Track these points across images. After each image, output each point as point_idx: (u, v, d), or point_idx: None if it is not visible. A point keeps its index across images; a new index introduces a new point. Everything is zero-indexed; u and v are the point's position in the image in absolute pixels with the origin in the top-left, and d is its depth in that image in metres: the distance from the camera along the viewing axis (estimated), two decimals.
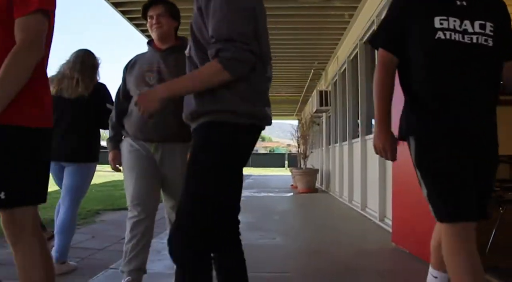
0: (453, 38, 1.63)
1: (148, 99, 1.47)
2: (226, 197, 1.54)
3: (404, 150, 3.73)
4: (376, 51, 1.87)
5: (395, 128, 1.82)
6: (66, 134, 2.91)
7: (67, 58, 3.05)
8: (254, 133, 1.54)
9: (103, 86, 3.09)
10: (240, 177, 1.72)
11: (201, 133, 1.49)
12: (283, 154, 34.35)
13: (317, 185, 10.34)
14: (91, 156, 3.02)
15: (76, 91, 2.90)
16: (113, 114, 2.54)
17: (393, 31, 1.76)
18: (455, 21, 1.64)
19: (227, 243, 1.78)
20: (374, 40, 1.88)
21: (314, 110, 9.80)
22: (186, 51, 1.63)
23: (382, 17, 5.39)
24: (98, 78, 3.10)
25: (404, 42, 1.73)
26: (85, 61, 3.01)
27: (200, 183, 1.46)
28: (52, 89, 2.89)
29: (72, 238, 2.97)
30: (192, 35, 1.57)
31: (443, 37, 1.63)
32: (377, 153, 1.84)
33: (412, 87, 1.80)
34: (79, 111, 2.91)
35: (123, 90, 2.43)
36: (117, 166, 2.53)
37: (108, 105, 2.94)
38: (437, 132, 1.66)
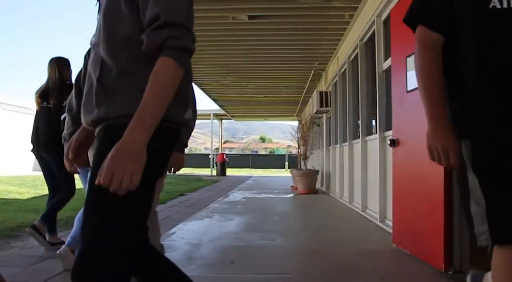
0: None
1: (126, 162, 1.05)
2: (140, 208, 1.21)
3: (402, 150, 3.74)
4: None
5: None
6: None
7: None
8: (170, 138, 1.26)
9: None
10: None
11: (104, 139, 1.20)
12: (283, 155, 34.35)
13: (318, 186, 10.34)
14: None
15: None
16: (73, 104, 2.23)
17: (436, 3, 1.41)
18: None
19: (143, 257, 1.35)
20: (413, 16, 1.48)
21: (314, 111, 9.79)
22: (92, 39, 1.32)
23: (383, 17, 5.39)
24: None
25: (451, 16, 1.37)
26: None
27: (108, 198, 1.11)
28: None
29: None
30: (106, 12, 1.25)
31: (499, 6, 1.28)
32: (433, 158, 1.42)
33: (460, 75, 1.38)
34: None
35: (84, 77, 2.23)
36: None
37: None
38: (504, 131, 1.29)
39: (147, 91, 1.12)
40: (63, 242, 3.08)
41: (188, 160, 31.41)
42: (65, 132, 2.31)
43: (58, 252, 2.88)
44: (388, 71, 4.66)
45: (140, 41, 1.18)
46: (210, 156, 23.45)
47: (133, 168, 1.06)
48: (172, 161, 2.12)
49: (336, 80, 8.37)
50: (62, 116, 3.61)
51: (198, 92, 13.19)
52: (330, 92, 8.94)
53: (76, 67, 3.28)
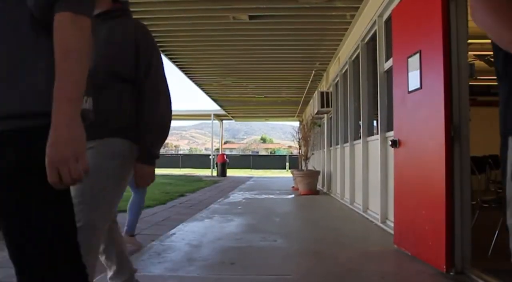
0: None
1: (63, 149, 0.92)
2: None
3: (404, 151, 3.73)
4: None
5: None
6: None
7: None
8: None
9: None
10: None
11: (17, 146, 1.00)
12: (284, 156, 34.29)
13: (319, 186, 10.31)
14: None
15: None
16: None
17: None
18: None
19: None
20: None
21: (315, 111, 9.78)
22: None
23: (384, 17, 5.40)
24: None
25: None
26: None
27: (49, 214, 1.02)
28: None
29: (138, 216, 3.90)
30: None
31: None
32: None
33: None
34: None
35: None
36: None
37: None
38: None
39: (55, 60, 0.96)
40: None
41: (189, 160, 31.49)
42: None
43: None
44: (389, 71, 4.64)
45: (23, 9, 0.98)
46: (210, 157, 23.43)
47: (72, 151, 0.93)
48: (139, 174, 1.82)
49: (337, 81, 8.36)
50: None
51: (198, 92, 13.19)
52: (331, 92, 8.93)
53: None
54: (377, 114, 5.11)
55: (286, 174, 22.92)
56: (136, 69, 1.78)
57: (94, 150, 1.69)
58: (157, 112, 1.82)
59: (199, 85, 11.84)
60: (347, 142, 7.14)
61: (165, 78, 1.89)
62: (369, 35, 5.70)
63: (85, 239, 1.58)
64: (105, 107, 1.68)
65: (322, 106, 8.96)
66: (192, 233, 4.46)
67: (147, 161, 1.82)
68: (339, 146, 8.17)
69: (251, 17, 6.13)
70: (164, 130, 1.87)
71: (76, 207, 1.59)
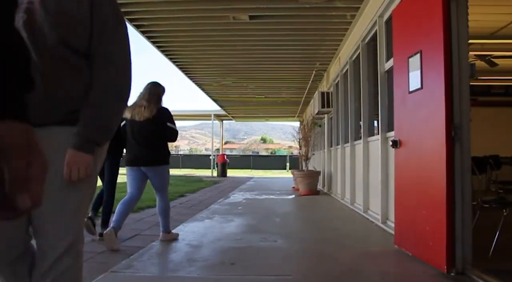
0: None
1: None
2: None
3: (404, 151, 3.72)
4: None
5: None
6: (141, 147, 3.93)
7: (140, 90, 4.08)
8: None
9: (165, 110, 4.04)
10: None
11: None
12: (285, 156, 34.28)
13: (319, 187, 10.31)
14: (162, 160, 4.04)
15: (143, 115, 3.90)
16: None
17: None
18: None
19: None
20: None
21: (316, 111, 9.77)
22: None
23: (385, 17, 5.40)
24: (161, 103, 4.07)
25: None
26: (151, 91, 4.01)
27: None
28: (128, 115, 3.95)
29: (169, 217, 4.12)
30: None
31: None
32: None
33: None
34: (147, 130, 3.91)
35: None
36: None
37: (169, 124, 3.95)
38: None
39: None
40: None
41: (189, 160, 31.48)
42: None
43: (104, 232, 3.74)
44: (390, 71, 4.64)
45: None
46: (210, 157, 23.43)
47: None
48: (66, 161, 1.38)
49: (338, 81, 8.35)
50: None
51: (198, 92, 13.18)
52: (331, 92, 8.92)
53: None
54: (378, 114, 5.10)
55: (286, 174, 22.91)
56: (90, 37, 1.45)
57: (55, 142, 1.37)
58: (101, 82, 1.44)
59: (199, 85, 11.84)
60: (348, 142, 7.14)
61: (125, 47, 1.52)
62: (370, 35, 5.70)
63: (71, 274, 1.36)
64: (59, 86, 1.41)
65: (323, 106, 8.95)
66: (192, 234, 4.46)
67: (79, 145, 1.38)
68: (339, 146, 8.16)
69: (251, 17, 6.13)
70: (109, 106, 1.45)
71: (51, 232, 1.34)
